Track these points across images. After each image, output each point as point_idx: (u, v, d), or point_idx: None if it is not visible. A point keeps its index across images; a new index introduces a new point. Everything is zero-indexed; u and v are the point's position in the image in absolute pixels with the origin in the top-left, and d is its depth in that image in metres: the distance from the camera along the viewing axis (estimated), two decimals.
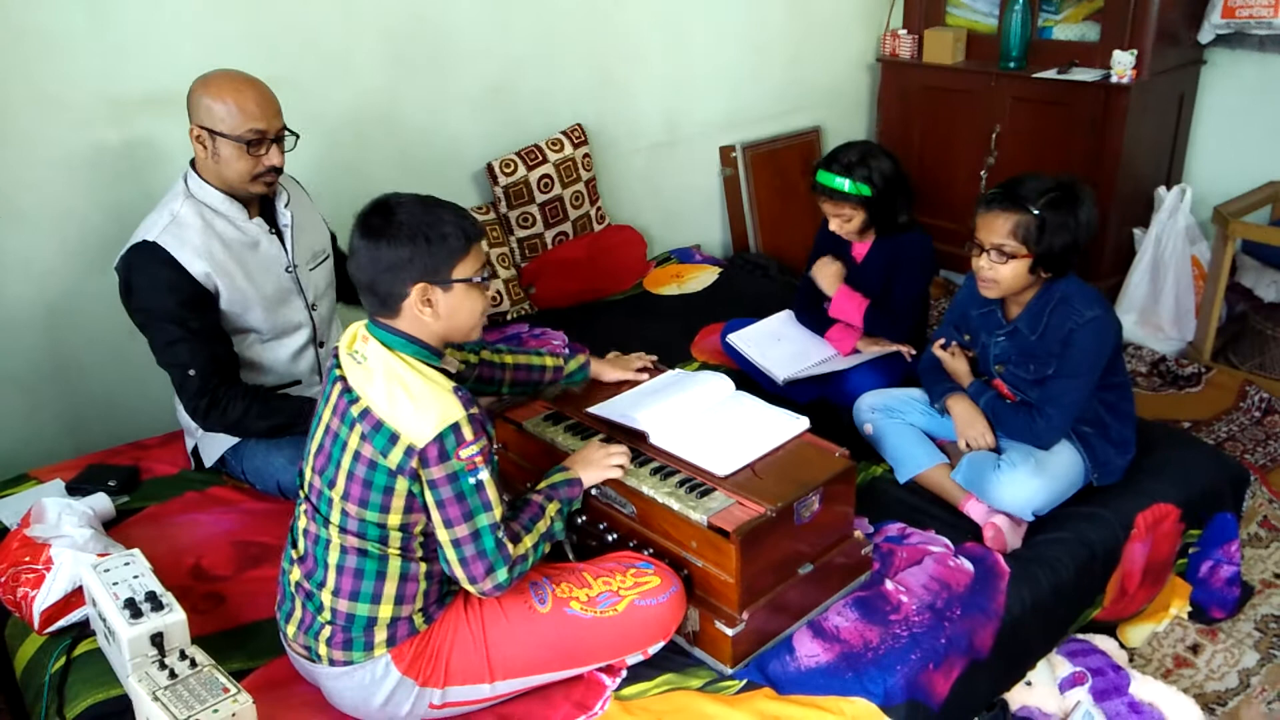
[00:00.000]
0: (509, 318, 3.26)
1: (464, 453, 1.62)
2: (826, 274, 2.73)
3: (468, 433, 1.63)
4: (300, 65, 2.79)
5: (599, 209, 3.53)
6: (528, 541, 1.72)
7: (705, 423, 2.06)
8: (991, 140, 3.90)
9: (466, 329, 1.75)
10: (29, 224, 2.51)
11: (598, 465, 1.90)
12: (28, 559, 1.96)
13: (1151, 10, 3.51)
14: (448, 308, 1.69)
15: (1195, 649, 2.37)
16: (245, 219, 2.22)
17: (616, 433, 2.05)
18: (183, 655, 1.66)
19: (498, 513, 1.66)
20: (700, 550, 1.84)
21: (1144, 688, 2.09)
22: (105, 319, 2.51)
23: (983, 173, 3.95)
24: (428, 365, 1.69)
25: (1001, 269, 2.15)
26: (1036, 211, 2.10)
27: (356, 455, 1.65)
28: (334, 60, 2.88)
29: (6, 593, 1.96)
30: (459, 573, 1.67)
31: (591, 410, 2.12)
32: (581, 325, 3.16)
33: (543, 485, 1.84)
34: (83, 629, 1.93)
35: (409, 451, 1.61)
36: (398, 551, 1.69)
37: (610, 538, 1.99)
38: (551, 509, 1.79)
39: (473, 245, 1.70)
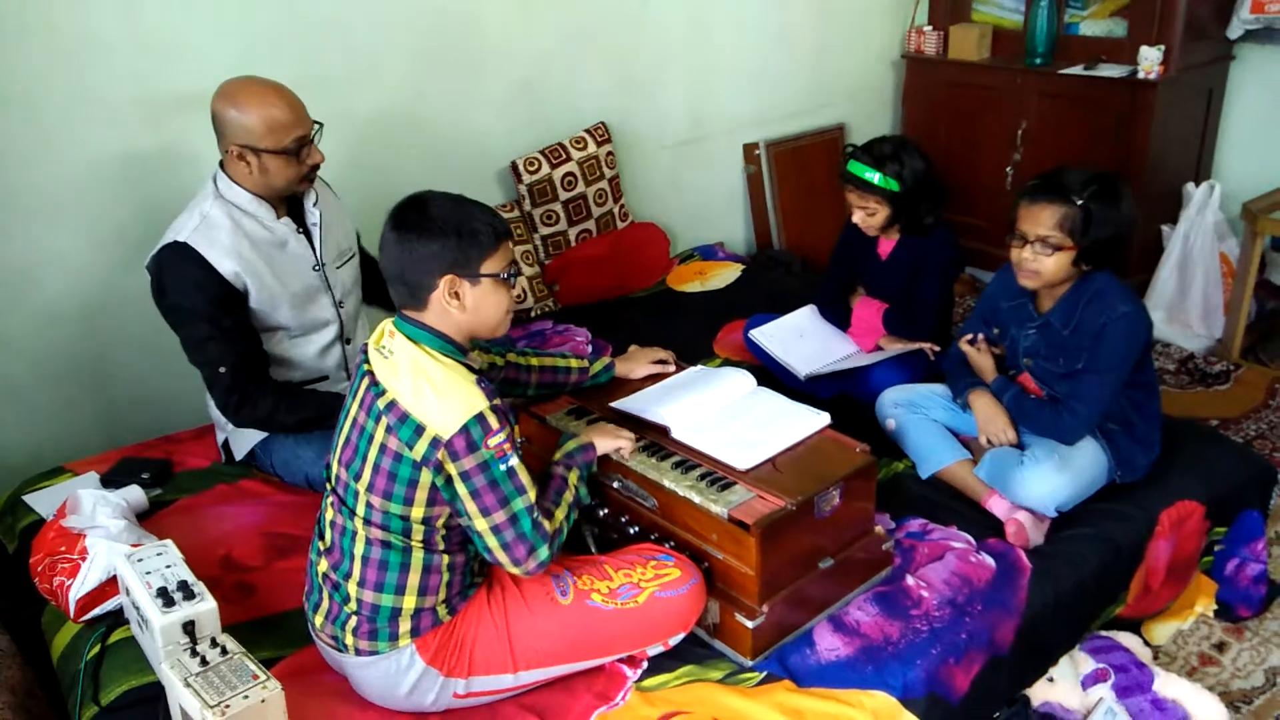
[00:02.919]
0: (533, 315, 3.28)
1: (492, 441, 1.65)
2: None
3: (493, 421, 1.66)
4: (328, 65, 2.83)
5: (622, 206, 3.55)
6: (559, 515, 1.76)
7: (727, 417, 2.07)
8: (1017, 137, 3.88)
9: (492, 324, 1.78)
10: (65, 221, 2.56)
11: (608, 431, 1.96)
12: (64, 549, 2.01)
13: (1179, 6, 3.48)
14: (474, 301, 1.72)
15: (1221, 647, 2.36)
16: (273, 219, 2.25)
17: (639, 427, 2.07)
18: (214, 643, 1.69)
19: (531, 494, 1.70)
20: (721, 543, 1.85)
21: (1168, 685, 2.08)
22: (138, 315, 2.56)
23: (1008, 169, 3.93)
24: (452, 359, 1.72)
25: (1045, 261, 2.14)
26: (1081, 203, 2.09)
27: (382, 448, 1.68)
28: (361, 60, 2.92)
29: (43, 582, 2.01)
30: (502, 558, 1.70)
31: (614, 405, 2.14)
32: (605, 322, 3.18)
33: (559, 455, 1.87)
34: (117, 617, 1.97)
35: (435, 443, 1.64)
36: (420, 544, 1.72)
37: (632, 530, 2.00)
38: (573, 477, 1.84)
39: (501, 242, 1.74)
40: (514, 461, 1.68)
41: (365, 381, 1.74)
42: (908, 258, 2.70)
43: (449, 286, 1.70)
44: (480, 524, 1.68)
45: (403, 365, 1.70)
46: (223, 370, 2.17)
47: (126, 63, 2.54)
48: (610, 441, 1.95)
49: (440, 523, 1.72)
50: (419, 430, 1.64)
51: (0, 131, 2.43)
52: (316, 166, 2.23)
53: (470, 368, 1.75)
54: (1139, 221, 2.16)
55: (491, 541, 1.69)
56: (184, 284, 2.15)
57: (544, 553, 1.70)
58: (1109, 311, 2.14)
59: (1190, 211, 3.62)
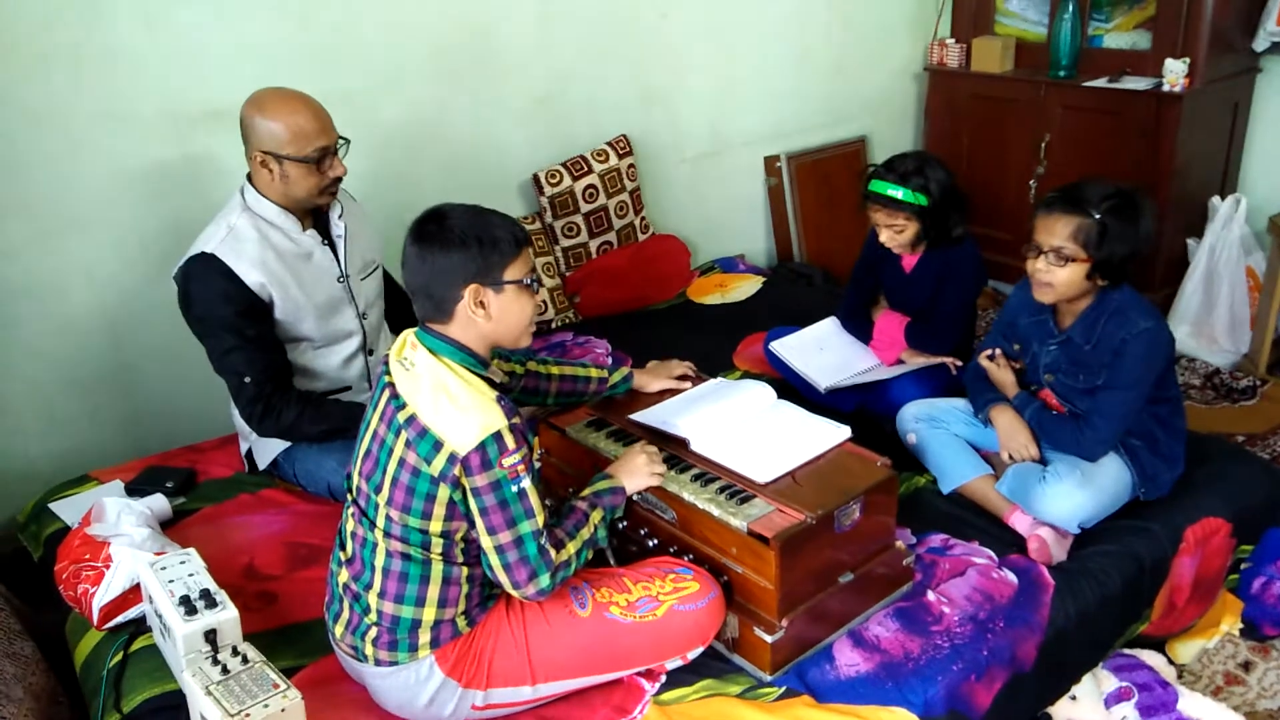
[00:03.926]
0: (554, 326, 3.29)
1: (506, 461, 1.65)
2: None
3: (510, 441, 1.66)
4: (352, 79, 2.86)
5: (643, 219, 3.55)
6: (571, 548, 1.75)
7: (746, 430, 2.07)
8: (1041, 150, 3.86)
9: (516, 333, 1.79)
10: (92, 234, 2.59)
11: (640, 472, 1.92)
12: (88, 556, 2.03)
13: (1204, 18, 3.45)
14: (499, 309, 1.73)
15: (1247, 666, 2.33)
16: (299, 231, 2.27)
17: (658, 439, 2.07)
18: (235, 651, 1.70)
19: (540, 519, 1.69)
20: (740, 557, 1.85)
21: (1192, 704, 2.05)
22: (164, 326, 2.59)
23: (1032, 182, 3.91)
24: (473, 373, 1.73)
25: (1059, 272, 2.13)
26: (1098, 216, 2.08)
27: (401, 462, 1.69)
28: (385, 73, 2.94)
29: (68, 589, 2.03)
30: (503, 578, 1.70)
31: (634, 417, 2.14)
32: (625, 334, 3.18)
33: (587, 492, 1.86)
34: (139, 625, 1.98)
35: (451, 459, 1.64)
36: (440, 556, 1.72)
37: (651, 543, 2.00)
38: (595, 516, 1.82)
39: (522, 249, 1.75)
40: (526, 484, 1.68)
41: (386, 394, 1.75)
42: (931, 271, 2.68)
43: (474, 296, 1.71)
44: (486, 542, 1.69)
45: (423, 378, 1.70)
46: (248, 380, 2.19)
47: (152, 76, 2.58)
48: (641, 480, 1.93)
49: (459, 536, 1.72)
50: (437, 446, 1.65)
51: (28, 145, 2.47)
52: (338, 180, 2.25)
53: (491, 382, 1.76)
54: (1153, 239, 2.13)
55: (495, 561, 1.69)
56: (210, 295, 2.17)
57: (545, 580, 1.70)
58: (1129, 327, 2.12)
59: (1216, 225, 3.59)
